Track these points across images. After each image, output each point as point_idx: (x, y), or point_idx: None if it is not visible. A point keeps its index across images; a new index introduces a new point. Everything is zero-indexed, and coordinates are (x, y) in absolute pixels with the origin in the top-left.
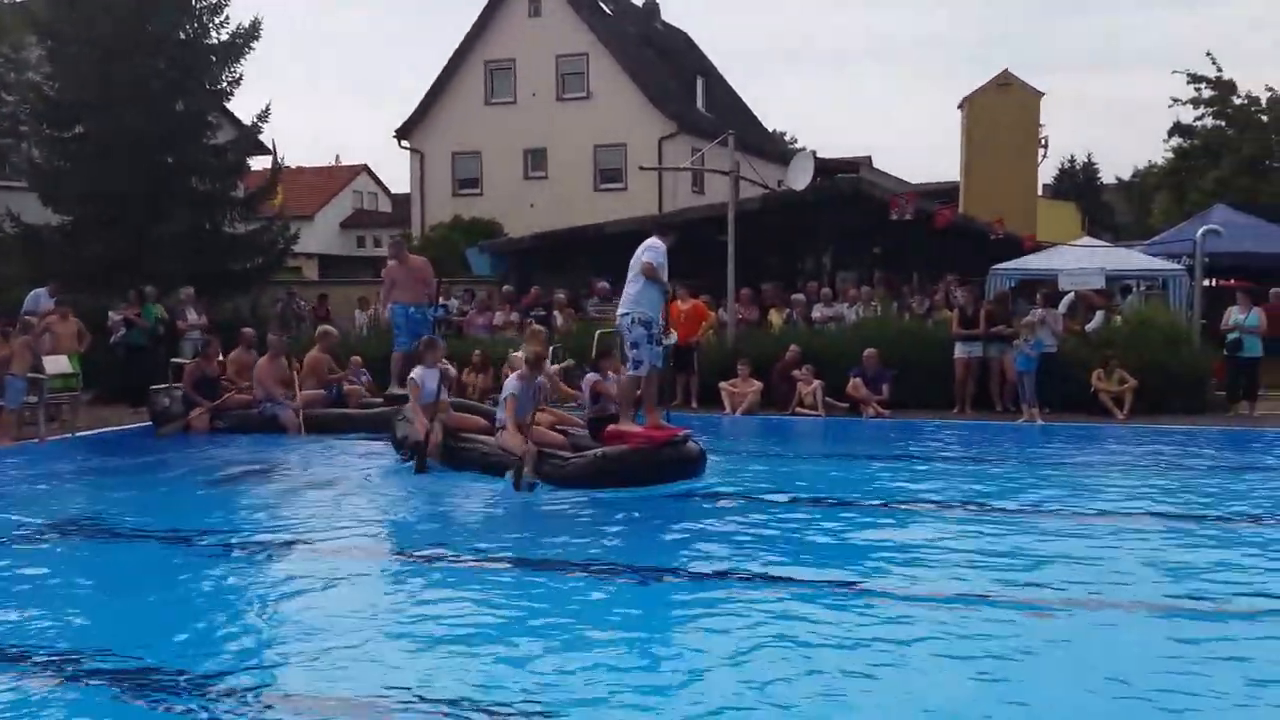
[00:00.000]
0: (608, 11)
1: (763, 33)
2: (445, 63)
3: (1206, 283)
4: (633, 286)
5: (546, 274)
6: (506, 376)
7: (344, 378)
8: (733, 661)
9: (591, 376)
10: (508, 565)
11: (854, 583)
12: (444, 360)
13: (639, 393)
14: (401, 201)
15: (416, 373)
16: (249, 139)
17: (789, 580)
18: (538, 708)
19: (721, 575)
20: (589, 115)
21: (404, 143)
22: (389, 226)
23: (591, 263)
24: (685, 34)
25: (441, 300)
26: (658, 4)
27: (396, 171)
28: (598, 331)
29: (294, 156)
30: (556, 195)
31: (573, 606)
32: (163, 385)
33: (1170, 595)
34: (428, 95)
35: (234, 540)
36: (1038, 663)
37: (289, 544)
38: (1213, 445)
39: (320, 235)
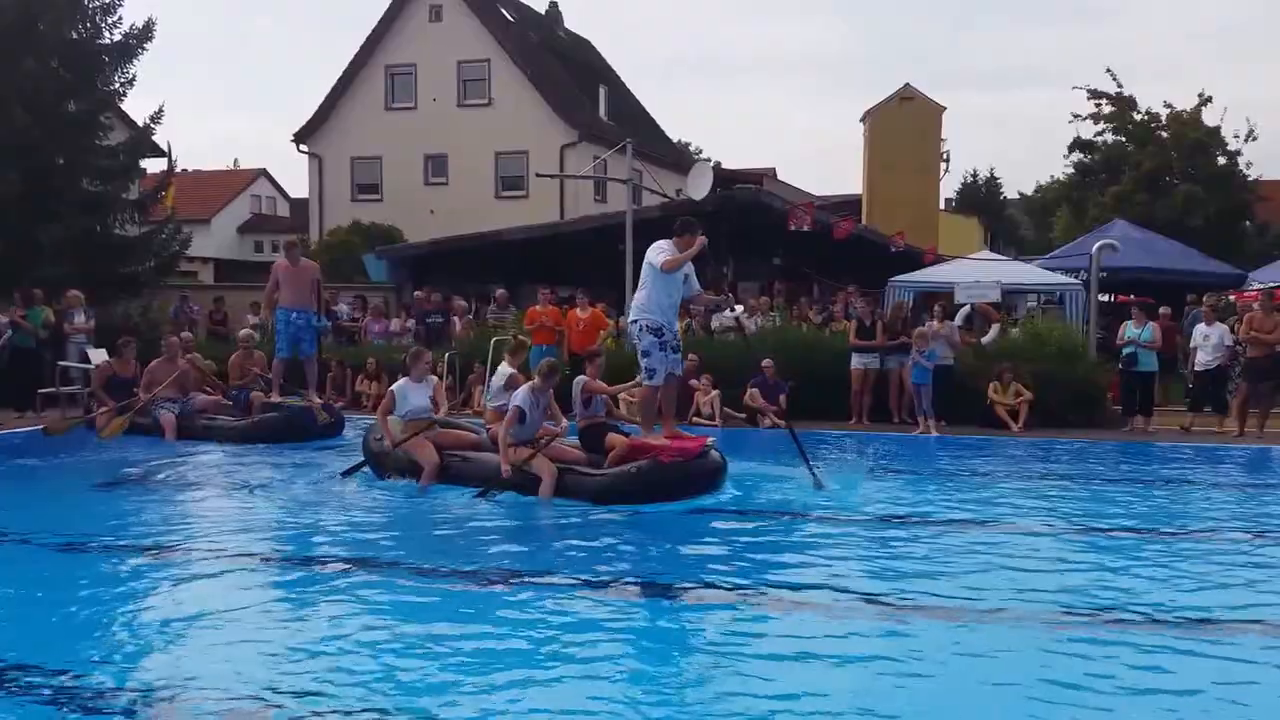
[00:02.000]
0: (509, 18)
1: (668, 43)
2: (345, 67)
3: (1104, 298)
4: (640, 292)
5: (446, 281)
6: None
7: (250, 380)
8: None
9: (580, 379)
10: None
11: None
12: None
13: (657, 403)
14: (300, 206)
15: (398, 385)
16: (142, 141)
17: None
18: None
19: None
20: (490, 122)
21: (302, 147)
22: (288, 231)
23: (491, 270)
24: (588, 42)
25: (330, 305)
26: (560, 12)
27: (295, 176)
28: (494, 339)
29: (191, 160)
30: (457, 202)
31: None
32: (50, 389)
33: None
34: (327, 99)
35: (115, 544)
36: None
37: (171, 548)
38: (1107, 458)
39: (217, 239)
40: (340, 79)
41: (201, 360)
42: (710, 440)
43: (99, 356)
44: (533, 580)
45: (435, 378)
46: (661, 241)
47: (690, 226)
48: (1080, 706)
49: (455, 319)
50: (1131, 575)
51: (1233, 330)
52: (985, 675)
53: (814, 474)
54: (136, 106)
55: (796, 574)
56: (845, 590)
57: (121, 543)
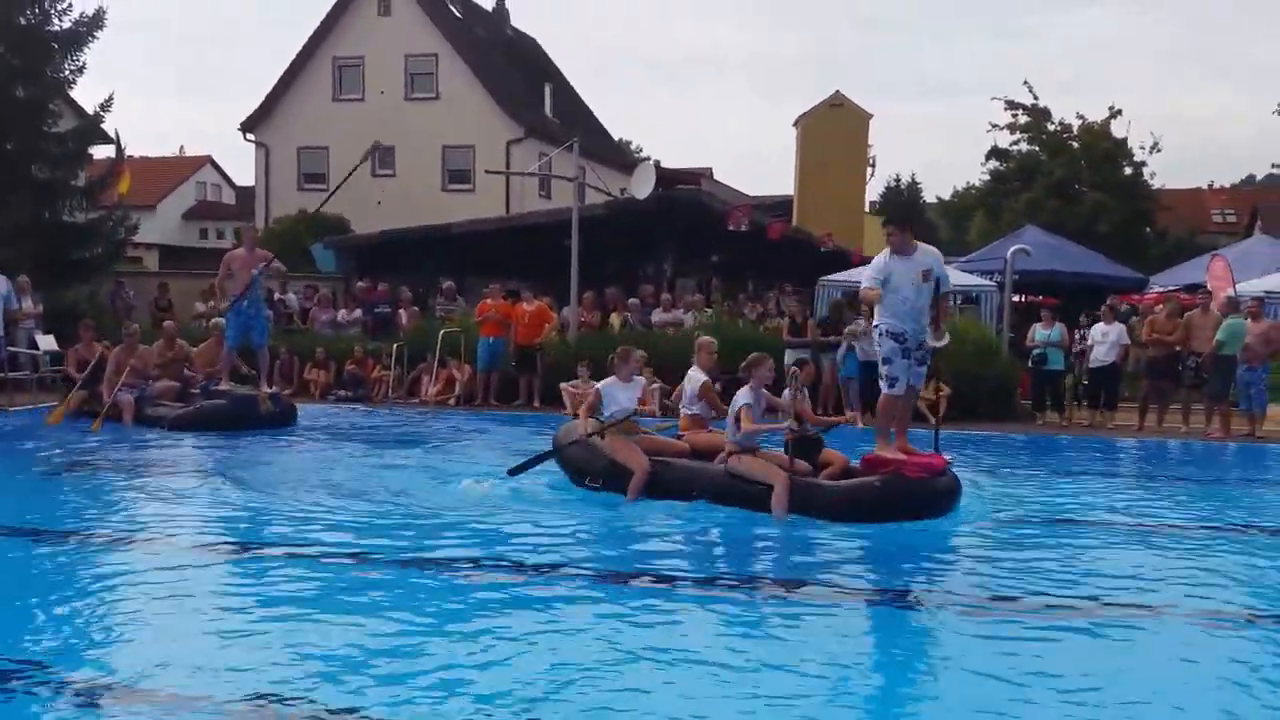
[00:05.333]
0: (457, 14)
1: (611, 43)
2: (293, 58)
3: (1016, 298)
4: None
5: (393, 272)
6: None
7: (217, 372)
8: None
9: (788, 393)
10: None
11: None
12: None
13: (895, 413)
14: (246, 194)
15: (605, 384)
16: (91, 128)
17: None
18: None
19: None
20: (438, 116)
21: (249, 135)
22: (233, 219)
23: (438, 262)
24: (534, 40)
25: (278, 295)
26: (507, 9)
27: (242, 164)
28: (441, 331)
29: (137, 146)
30: (404, 194)
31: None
32: None
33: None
34: (274, 89)
35: (72, 532)
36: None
37: (129, 537)
38: (1021, 450)
39: (162, 226)
40: (288, 69)
41: (189, 346)
42: (948, 458)
43: (48, 342)
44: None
45: (643, 379)
46: (880, 254)
47: (900, 219)
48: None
49: (402, 310)
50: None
51: (1132, 331)
52: None
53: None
54: (86, 94)
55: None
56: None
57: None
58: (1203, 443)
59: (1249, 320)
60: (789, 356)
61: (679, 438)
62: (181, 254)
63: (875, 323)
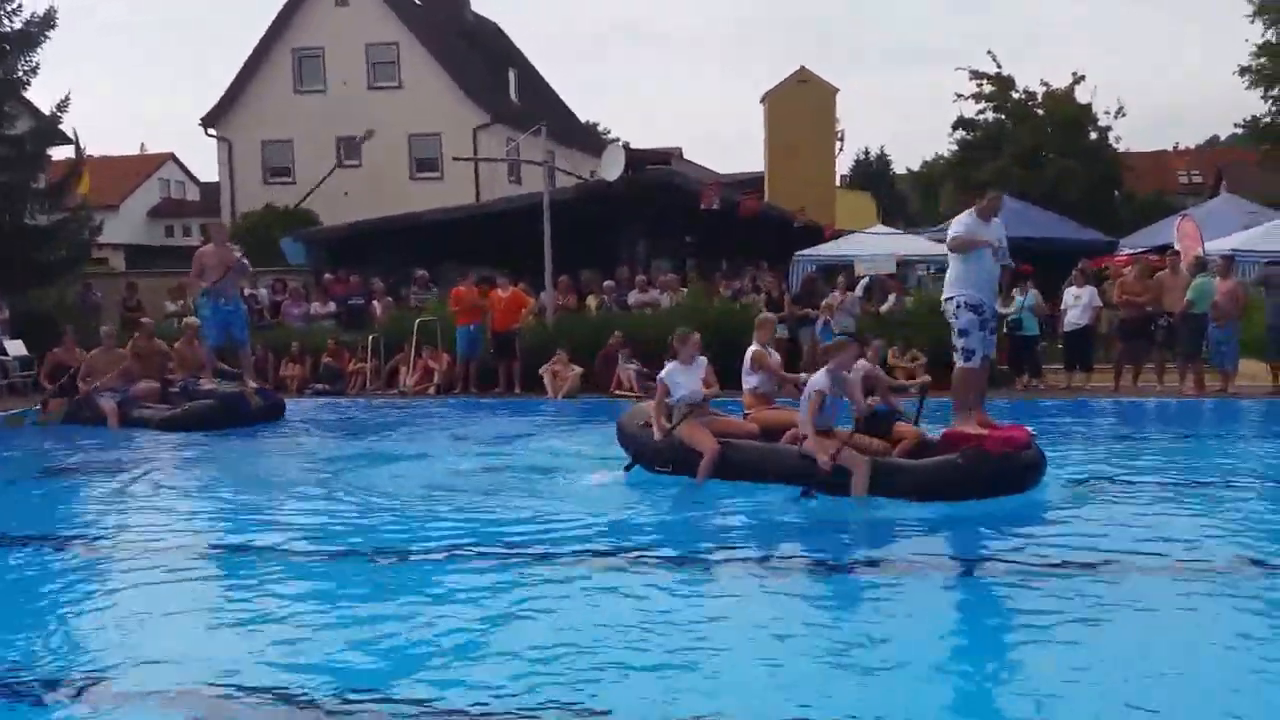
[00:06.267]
0: (416, 1)
1: (574, 26)
2: (252, 50)
3: None
4: (953, 269)
5: (364, 263)
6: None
7: (199, 371)
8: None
9: (864, 366)
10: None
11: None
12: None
13: (972, 387)
14: (211, 190)
15: (668, 371)
16: (49, 129)
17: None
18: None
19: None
20: (402, 104)
21: (210, 130)
22: (198, 215)
23: (410, 252)
24: (495, 25)
25: (248, 290)
26: None
27: (205, 159)
28: (417, 320)
29: (97, 145)
30: (372, 184)
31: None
32: None
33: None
34: (234, 83)
35: (58, 536)
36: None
37: (113, 539)
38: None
39: (127, 225)
40: (247, 62)
41: (164, 346)
42: (1032, 431)
43: (16, 348)
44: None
45: (704, 359)
46: (961, 215)
47: (983, 187)
48: None
49: (375, 301)
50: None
51: (1104, 294)
52: None
53: None
54: (40, 94)
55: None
56: None
57: (55, 534)
58: (1178, 400)
59: (1217, 279)
60: None
61: (745, 416)
62: (149, 253)
63: (949, 294)
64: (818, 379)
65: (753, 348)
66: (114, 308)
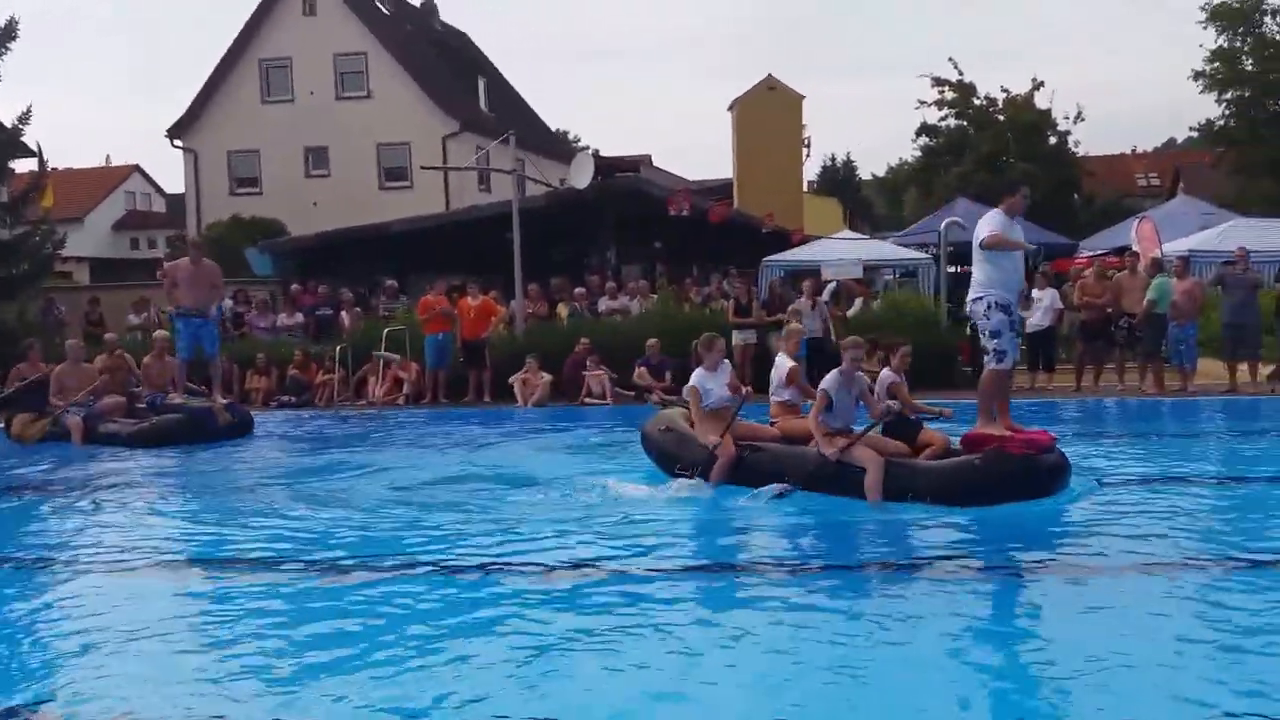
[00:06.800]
0: (385, 11)
1: (542, 33)
2: (218, 61)
3: (952, 269)
4: (980, 270)
5: (333, 273)
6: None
7: (167, 385)
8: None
9: (888, 375)
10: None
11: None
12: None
13: (1000, 391)
14: (177, 202)
15: (697, 377)
16: (11, 141)
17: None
18: None
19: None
20: (370, 114)
21: (177, 142)
22: (164, 227)
23: (379, 261)
24: (464, 34)
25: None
26: (435, 4)
27: (171, 171)
28: (385, 330)
29: (61, 158)
30: (340, 194)
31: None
32: None
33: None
34: (201, 94)
35: (11, 557)
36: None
37: (67, 559)
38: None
39: (91, 238)
40: (214, 73)
41: (131, 360)
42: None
43: None
44: None
45: (729, 364)
46: (989, 213)
47: (1014, 185)
48: None
49: (344, 312)
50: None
51: (1065, 296)
52: None
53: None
54: (3, 107)
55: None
56: None
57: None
58: (1138, 400)
59: (1175, 279)
60: (735, 337)
61: (771, 424)
62: (113, 266)
63: (979, 295)
64: (828, 380)
65: (788, 363)
66: (76, 322)
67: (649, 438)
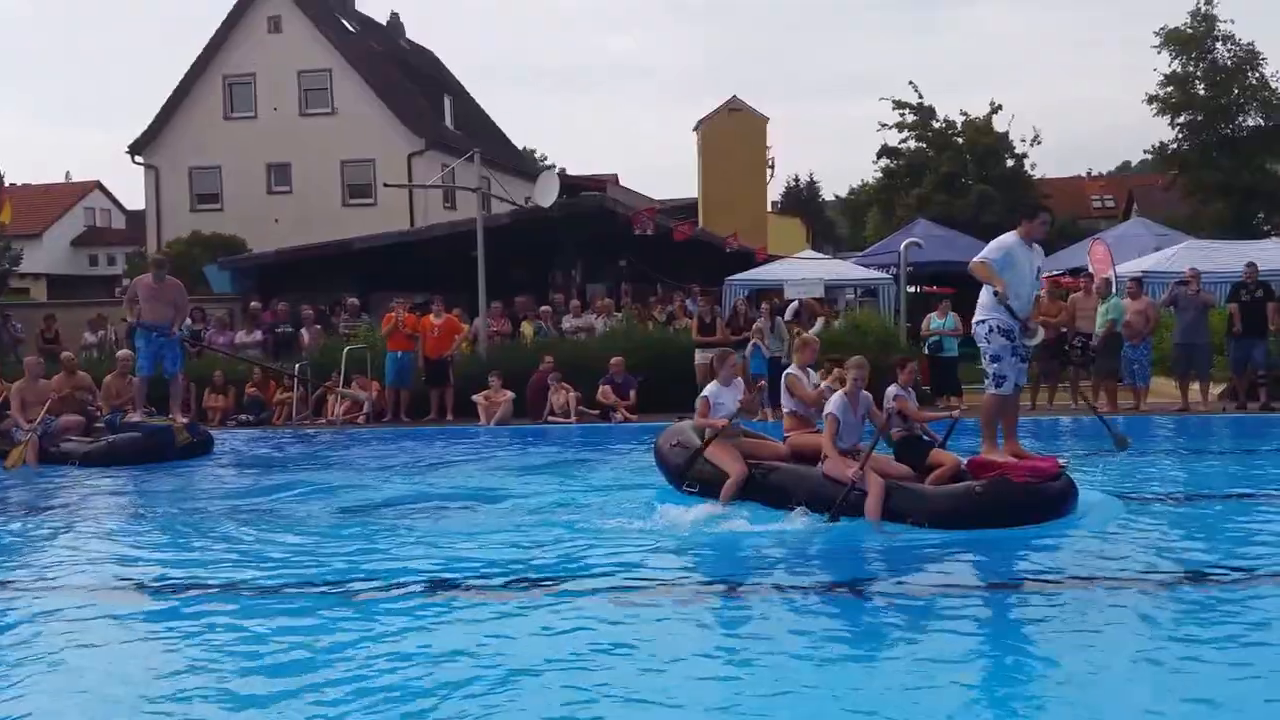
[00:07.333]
0: (350, 29)
1: (510, 53)
2: (181, 78)
3: (911, 289)
4: (985, 292)
5: (295, 290)
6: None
7: (125, 403)
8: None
9: (893, 391)
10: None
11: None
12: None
13: (1002, 415)
14: (137, 218)
15: (710, 390)
16: None
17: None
18: None
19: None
20: (334, 131)
21: (138, 158)
22: (124, 244)
23: (342, 279)
24: (431, 52)
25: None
26: (402, 22)
27: (132, 187)
28: (346, 348)
29: (19, 174)
30: (303, 211)
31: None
32: None
33: None
34: (163, 110)
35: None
36: None
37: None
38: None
39: (50, 255)
40: (177, 89)
41: (88, 378)
42: (1064, 460)
43: None
44: None
45: (742, 380)
46: (1004, 235)
47: (1035, 210)
48: None
49: (304, 329)
50: None
51: None
52: None
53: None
54: None
55: None
56: None
57: None
58: (1092, 418)
59: (1128, 299)
60: (698, 355)
61: (785, 439)
62: (72, 282)
63: (981, 318)
64: (833, 402)
65: (790, 369)
66: (32, 340)
67: (660, 452)
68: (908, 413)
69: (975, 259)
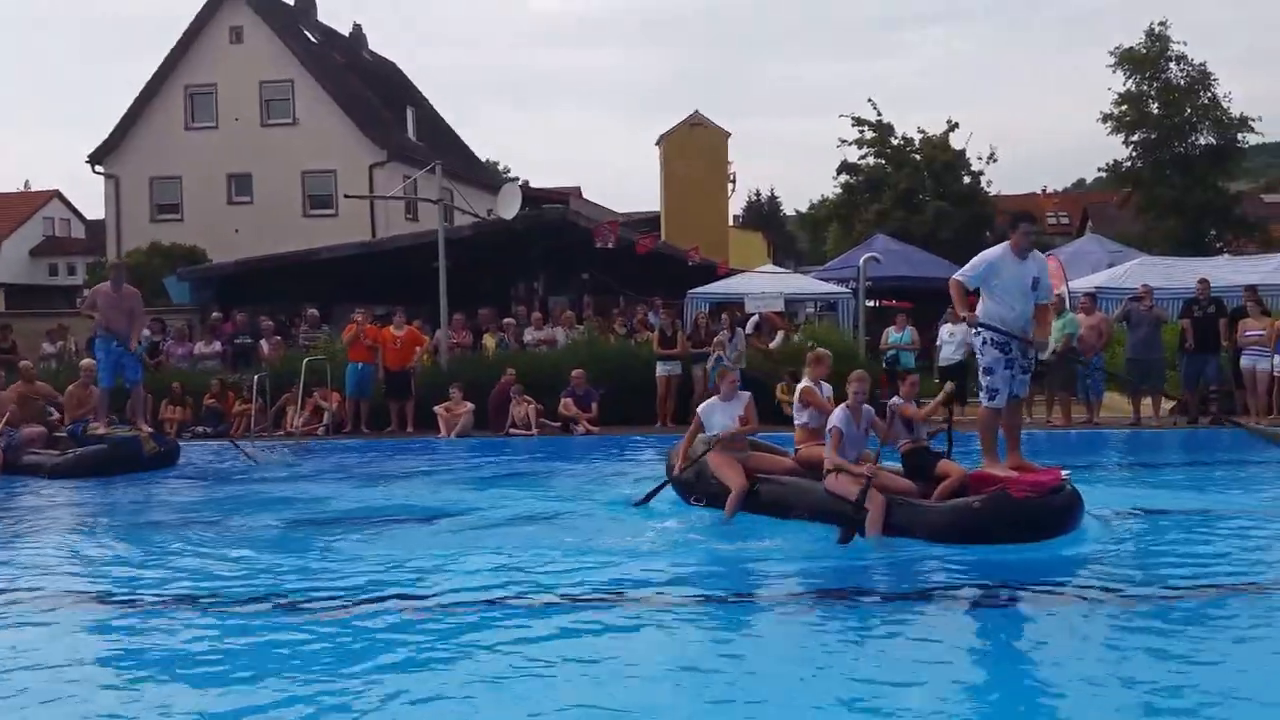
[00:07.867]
0: (313, 39)
1: (474, 66)
2: (143, 88)
3: (870, 304)
4: (981, 305)
5: (255, 301)
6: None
7: (87, 414)
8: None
9: (896, 402)
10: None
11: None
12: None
13: (998, 428)
14: (96, 228)
15: (705, 405)
16: None
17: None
18: None
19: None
20: (296, 141)
21: (98, 168)
22: (83, 254)
23: (303, 290)
24: (393, 64)
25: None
26: (364, 34)
27: (91, 197)
28: (305, 360)
29: None
30: (264, 221)
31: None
32: None
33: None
34: (124, 119)
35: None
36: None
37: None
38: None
39: (8, 264)
40: (138, 99)
41: (48, 388)
42: (1066, 473)
43: None
44: None
45: (746, 394)
46: (993, 248)
47: (1015, 222)
48: None
49: (264, 340)
50: None
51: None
52: None
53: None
54: None
55: None
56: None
57: None
58: (1047, 431)
59: (1081, 314)
60: (659, 368)
61: (795, 452)
62: (30, 292)
63: (978, 330)
64: (836, 415)
65: (803, 383)
66: None
67: (671, 466)
68: (910, 414)
69: (955, 273)
